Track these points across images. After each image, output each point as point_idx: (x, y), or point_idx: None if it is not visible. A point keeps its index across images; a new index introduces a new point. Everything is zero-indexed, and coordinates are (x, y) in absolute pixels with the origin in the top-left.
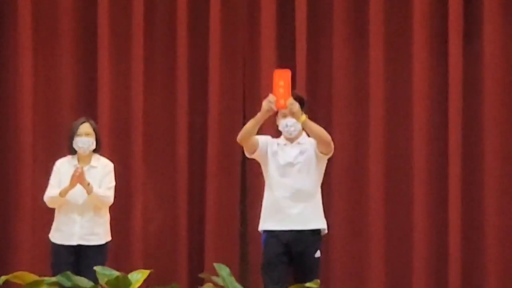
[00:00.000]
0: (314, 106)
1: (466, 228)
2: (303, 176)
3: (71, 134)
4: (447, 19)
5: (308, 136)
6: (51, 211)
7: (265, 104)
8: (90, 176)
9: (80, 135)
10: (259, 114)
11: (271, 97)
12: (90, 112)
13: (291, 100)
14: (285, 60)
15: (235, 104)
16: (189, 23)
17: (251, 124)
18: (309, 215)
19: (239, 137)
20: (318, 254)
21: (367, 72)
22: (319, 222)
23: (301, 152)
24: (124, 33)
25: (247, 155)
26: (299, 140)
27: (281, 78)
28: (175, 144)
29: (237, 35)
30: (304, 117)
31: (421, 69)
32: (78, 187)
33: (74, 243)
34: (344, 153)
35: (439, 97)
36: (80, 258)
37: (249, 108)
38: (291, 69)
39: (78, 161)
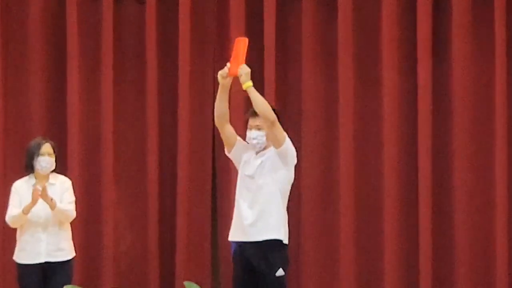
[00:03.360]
0: (283, 125)
1: (436, 247)
2: (263, 187)
3: (32, 154)
4: (415, 38)
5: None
6: None
7: (220, 72)
8: (50, 193)
9: (43, 154)
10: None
11: (228, 64)
12: (60, 133)
13: (242, 65)
14: (255, 79)
15: (205, 124)
16: (158, 42)
17: (216, 100)
18: (267, 226)
19: (215, 119)
20: (280, 272)
21: (336, 91)
22: (276, 233)
23: (261, 163)
24: (94, 53)
25: (226, 151)
26: (264, 152)
27: (238, 46)
28: (145, 164)
29: (206, 53)
30: (248, 83)
31: (390, 89)
32: (40, 205)
33: (42, 260)
34: (314, 171)
35: (408, 116)
36: (47, 275)
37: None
38: (260, 88)
39: (36, 180)
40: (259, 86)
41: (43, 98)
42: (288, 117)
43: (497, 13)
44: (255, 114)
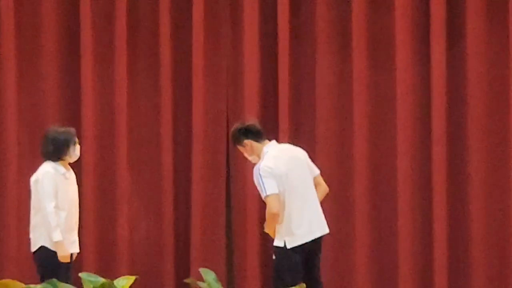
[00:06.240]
0: (297, 113)
1: (451, 237)
2: None
3: (67, 142)
4: (429, 23)
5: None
6: None
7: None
8: (73, 180)
9: (76, 143)
10: None
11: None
12: (74, 121)
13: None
14: (268, 68)
15: (219, 112)
16: (172, 34)
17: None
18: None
19: None
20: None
21: (350, 78)
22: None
23: None
24: (107, 43)
25: None
26: None
27: None
28: (160, 152)
29: (220, 44)
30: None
31: (404, 74)
32: (75, 194)
33: (78, 250)
34: (328, 160)
35: (422, 102)
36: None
37: (232, 116)
38: (273, 76)
39: (64, 167)
40: (272, 72)
41: (57, 89)
42: (302, 105)
43: None
44: (233, 144)
